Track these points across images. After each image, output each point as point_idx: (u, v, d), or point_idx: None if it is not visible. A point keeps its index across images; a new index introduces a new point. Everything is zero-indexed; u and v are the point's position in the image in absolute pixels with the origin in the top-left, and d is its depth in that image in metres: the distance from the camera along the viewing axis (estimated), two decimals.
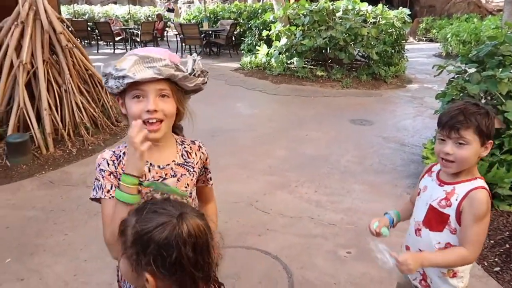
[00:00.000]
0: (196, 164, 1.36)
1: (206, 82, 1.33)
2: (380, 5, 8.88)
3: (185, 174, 1.31)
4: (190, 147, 1.37)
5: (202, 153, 1.40)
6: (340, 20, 8.34)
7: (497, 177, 3.11)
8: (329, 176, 4.10)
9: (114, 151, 1.28)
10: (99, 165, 1.26)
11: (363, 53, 8.91)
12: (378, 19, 8.64)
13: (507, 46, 3.74)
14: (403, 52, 9.30)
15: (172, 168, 1.29)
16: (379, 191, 3.78)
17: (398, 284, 1.77)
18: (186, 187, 1.31)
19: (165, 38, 15.33)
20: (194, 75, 1.26)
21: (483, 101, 3.66)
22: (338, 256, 2.83)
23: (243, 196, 3.69)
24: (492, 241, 2.93)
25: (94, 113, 5.33)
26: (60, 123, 4.93)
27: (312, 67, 8.90)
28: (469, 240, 1.37)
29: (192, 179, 1.34)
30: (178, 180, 1.29)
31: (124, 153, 1.27)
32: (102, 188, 1.23)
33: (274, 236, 3.09)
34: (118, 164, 1.25)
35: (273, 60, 9.01)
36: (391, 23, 8.47)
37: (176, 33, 12.91)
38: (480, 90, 3.54)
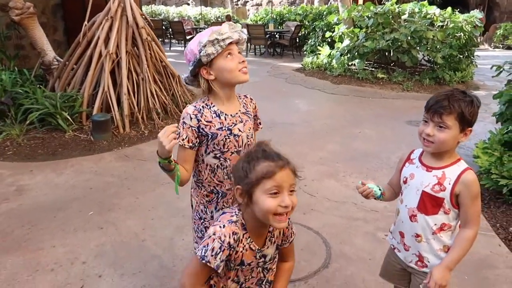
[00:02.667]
0: (252, 112, 1.75)
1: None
2: (449, 8, 8.67)
3: (248, 120, 1.69)
4: (245, 100, 1.75)
5: (253, 103, 1.78)
6: (405, 23, 8.30)
7: None
8: (378, 170, 4.25)
9: (195, 106, 1.61)
10: (183, 118, 1.59)
11: (428, 57, 8.77)
12: (446, 22, 8.45)
13: None
14: (472, 57, 8.99)
15: (239, 116, 1.66)
16: None
17: (386, 265, 1.87)
18: (249, 130, 1.68)
19: None
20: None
21: None
22: (377, 237, 3.02)
23: None
24: None
25: (165, 101, 5.92)
26: (136, 107, 5.57)
27: (373, 69, 8.93)
28: (471, 218, 1.53)
29: (251, 124, 1.72)
30: (244, 124, 1.66)
31: (203, 106, 1.61)
32: (180, 136, 1.57)
33: (318, 216, 3.35)
34: (201, 116, 1.58)
35: (334, 61, 9.18)
36: (459, 27, 8.26)
37: None
38: None
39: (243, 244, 1.35)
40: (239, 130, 1.64)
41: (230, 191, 1.65)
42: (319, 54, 10.07)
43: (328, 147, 4.96)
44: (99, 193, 3.72)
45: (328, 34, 9.79)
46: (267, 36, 12.63)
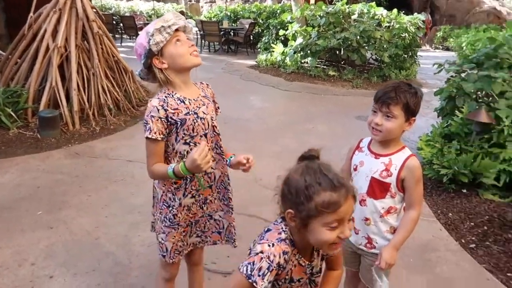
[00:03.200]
0: (211, 96, 1.81)
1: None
2: (395, 10, 9.13)
3: (209, 103, 1.74)
4: (202, 86, 1.81)
5: (210, 89, 1.84)
6: (355, 23, 8.63)
7: (482, 167, 3.38)
8: (330, 163, 4.40)
9: (159, 98, 1.62)
10: (151, 112, 1.58)
11: (376, 57, 9.19)
12: (392, 23, 8.89)
13: (505, 49, 4.00)
14: (415, 57, 9.53)
15: (201, 100, 1.71)
16: None
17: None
18: (212, 112, 1.74)
19: None
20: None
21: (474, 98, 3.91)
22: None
23: (249, 174, 3.99)
24: (472, 223, 3.20)
25: (118, 97, 5.75)
26: (86, 103, 5.37)
27: (325, 67, 9.21)
28: (414, 201, 1.66)
29: (213, 107, 1.77)
30: (207, 107, 1.71)
31: (166, 96, 1.62)
32: (150, 130, 1.58)
33: (274, 208, 3.42)
34: (167, 106, 1.59)
35: (287, 58, 9.35)
36: (404, 28, 8.72)
37: (197, 29, 13.36)
38: (475, 88, 3.82)
39: (292, 261, 1.25)
40: (204, 113, 1.69)
41: (198, 174, 1.67)
42: (273, 51, 10.22)
43: (282, 142, 5.07)
44: (48, 192, 3.56)
45: (281, 32, 9.95)
46: (222, 33, 12.60)
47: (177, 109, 1.62)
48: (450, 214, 3.37)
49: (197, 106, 1.68)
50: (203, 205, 1.79)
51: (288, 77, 8.97)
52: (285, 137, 5.25)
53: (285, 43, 10.04)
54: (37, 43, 5.33)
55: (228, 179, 1.84)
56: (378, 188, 1.68)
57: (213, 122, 1.73)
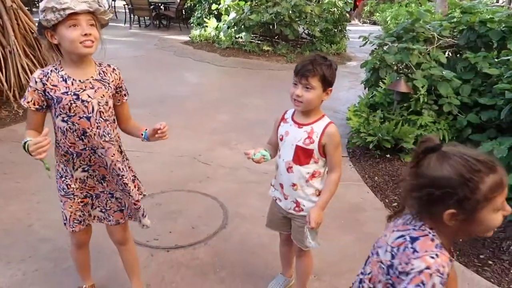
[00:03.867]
0: (112, 82, 1.74)
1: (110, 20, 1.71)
2: None
3: (101, 88, 1.70)
4: (106, 68, 1.75)
5: (116, 74, 1.77)
6: None
7: (402, 133, 3.70)
8: (266, 136, 4.45)
9: (43, 70, 1.64)
10: (30, 81, 1.64)
11: (308, 31, 9.41)
12: None
13: (421, 23, 4.33)
14: (344, 31, 9.91)
15: (90, 82, 1.67)
16: None
17: (270, 216, 2.10)
18: (102, 97, 1.69)
19: (112, 9, 14.92)
20: (109, 11, 1.68)
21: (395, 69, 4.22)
22: (269, 197, 3.28)
23: (187, 151, 4.04)
24: (395, 185, 3.53)
25: None
26: (5, 85, 4.95)
27: (259, 42, 9.27)
28: (335, 164, 1.82)
29: (107, 92, 1.72)
30: (95, 91, 1.67)
31: (51, 70, 1.63)
32: (25, 98, 1.64)
33: (214, 183, 3.50)
34: (47, 80, 1.61)
35: (221, 34, 9.26)
36: (333, 2, 9.00)
37: (125, 3, 12.66)
38: (395, 60, 4.11)
39: None
40: (88, 96, 1.66)
41: (85, 151, 1.72)
42: (207, 26, 10.05)
43: (219, 118, 5.11)
44: None
45: (214, 6, 9.79)
46: (152, 7, 12.08)
47: (56, 86, 1.62)
48: (376, 177, 3.68)
49: (81, 88, 1.65)
50: (102, 181, 1.83)
51: (223, 53, 8.92)
52: (222, 113, 5.29)
53: (218, 18, 9.90)
54: None
55: (121, 167, 1.79)
56: (302, 155, 1.81)
57: (100, 108, 1.69)
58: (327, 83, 1.73)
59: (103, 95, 1.70)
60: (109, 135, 1.75)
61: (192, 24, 11.32)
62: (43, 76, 1.61)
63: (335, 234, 2.84)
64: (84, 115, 1.66)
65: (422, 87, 3.78)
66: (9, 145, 4.01)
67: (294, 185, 1.86)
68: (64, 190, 1.79)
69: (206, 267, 2.46)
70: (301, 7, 8.48)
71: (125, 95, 1.84)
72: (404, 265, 1.07)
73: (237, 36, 9.17)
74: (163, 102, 5.54)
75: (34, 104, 1.63)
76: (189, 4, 12.79)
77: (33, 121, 1.68)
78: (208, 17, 10.28)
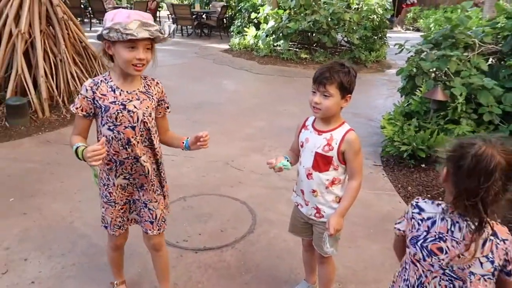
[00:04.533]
0: (155, 94, 1.84)
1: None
2: None
3: (146, 99, 1.79)
4: (150, 82, 1.85)
5: (159, 87, 1.86)
6: (325, 5, 8.73)
7: (437, 142, 3.59)
8: None
9: (93, 79, 1.74)
10: (81, 89, 1.74)
11: (347, 39, 9.34)
12: (361, 5, 9.04)
13: (460, 29, 4.20)
14: (385, 38, 9.73)
15: (136, 94, 1.76)
16: None
17: (292, 221, 2.11)
18: (146, 108, 1.78)
19: (157, 19, 15.54)
20: (170, 37, 1.83)
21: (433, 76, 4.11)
22: None
23: (221, 156, 4.14)
24: (429, 195, 3.44)
25: None
26: (55, 91, 5.31)
27: (297, 49, 9.30)
28: (355, 170, 1.82)
29: (151, 104, 1.81)
30: (141, 102, 1.76)
31: (101, 80, 1.73)
32: (75, 105, 1.75)
33: (244, 188, 3.56)
34: (97, 89, 1.71)
35: (260, 42, 9.39)
36: (372, 9, 8.88)
37: (169, 13, 13.15)
38: (432, 67, 4.01)
39: None
40: (134, 107, 1.74)
41: (128, 160, 1.79)
42: (246, 35, 10.23)
43: (254, 124, 5.19)
44: (19, 180, 3.57)
45: (253, 15, 9.96)
46: (194, 16, 12.47)
47: (104, 95, 1.70)
48: (410, 187, 3.59)
49: (128, 99, 1.73)
50: (139, 189, 1.91)
51: (261, 61, 9.04)
52: (258, 120, 5.37)
53: (257, 26, 10.06)
54: None
55: (159, 170, 1.93)
56: (322, 162, 1.82)
57: (144, 118, 1.77)
58: (345, 90, 1.74)
59: (148, 107, 1.78)
60: (150, 141, 1.83)
61: (232, 33, 11.55)
62: (94, 85, 1.71)
63: (363, 243, 2.81)
64: (129, 125, 1.74)
65: (461, 95, 3.65)
66: (57, 147, 4.29)
67: (314, 191, 1.88)
68: (107, 197, 1.89)
69: (232, 269, 2.52)
70: (340, 14, 8.44)
71: (167, 107, 1.92)
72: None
73: (275, 44, 9.27)
74: (201, 108, 5.70)
75: (82, 110, 1.72)
76: (230, 13, 13.08)
77: (80, 126, 1.77)
78: (248, 26, 10.46)
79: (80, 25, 6.02)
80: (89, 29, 13.23)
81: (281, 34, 8.89)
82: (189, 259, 2.59)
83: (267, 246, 2.75)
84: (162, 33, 1.67)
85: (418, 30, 16.06)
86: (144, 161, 1.82)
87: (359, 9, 8.98)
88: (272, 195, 3.43)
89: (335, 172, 1.84)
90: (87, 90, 1.71)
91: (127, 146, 1.77)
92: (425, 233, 1.30)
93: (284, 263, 2.58)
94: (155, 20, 14.07)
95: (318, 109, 1.77)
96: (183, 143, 1.92)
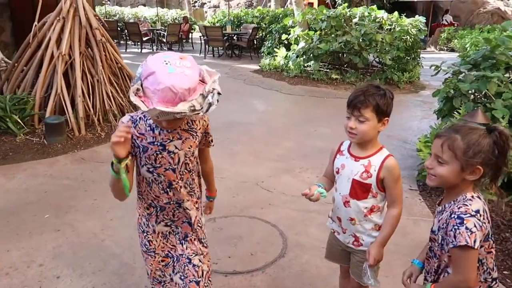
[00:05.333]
0: (199, 129, 1.63)
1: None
2: (395, 13, 9.18)
3: (188, 138, 1.59)
4: (195, 116, 1.55)
5: (204, 120, 1.67)
6: (356, 26, 8.70)
7: None
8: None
9: (132, 116, 1.56)
10: (118, 127, 1.51)
11: (379, 59, 9.23)
12: (394, 26, 8.94)
13: (501, 50, 4.04)
14: (418, 59, 9.55)
15: (178, 133, 1.56)
16: None
17: (329, 248, 2.04)
18: (189, 148, 1.59)
19: (190, 40, 15.97)
20: (208, 109, 1.41)
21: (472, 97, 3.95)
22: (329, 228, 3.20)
23: (250, 177, 4.10)
24: None
25: (122, 102, 5.86)
26: (91, 109, 5.48)
27: (327, 70, 9.27)
28: (395, 198, 1.73)
29: (195, 142, 1.62)
30: (183, 142, 1.57)
31: (140, 118, 1.54)
32: None
33: (275, 210, 3.49)
34: (135, 127, 1.53)
35: (290, 62, 9.43)
36: (405, 30, 8.76)
37: (201, 35, 13.48)
38: (471, 89, 3.86)
39: None
40: (175, 147, 1.56)
41: (170, 205, 1.65)
42: (276, 56, 10.30)
43: (284, 145, 5.14)
44: (55, 196, 3.66)
45: (284, 36, 10.04)
46: (225, 38, 12.72)
47: (143, 134, 1.54)
48: None
49: (168, 139, 1.54)
50: (183, 241, 1.73)
51: (291, 81, 9.05)
52: (287, 140, 5.32)
53: (288, 47, 10.12)
54: (42, 51, 5.46)
55: (200, 219, 1.77)
56: (359, 189, 1.74)
57: (186, 159, 1.60)
58: (382, 113, 1.66)
59: (191, 146, 1.60)
60: (191, 186, 1.68)
61: (262, 54, 11.68)
62: (132, 122, 1.54)
63: (400, 272, 2.66)
64: (170, 167, 1.57)
65: (503, 117, 3.48)
66: (91, 165, 4.39)
67: (352, 219, 1.79)
68: (146, 246, 1.72)
69: None
70: (372, 35, 8.37)
71: (211, 141, 1.76)
72: None
73: (305, 64, 9.28)
74: (231, 128, 5.72)
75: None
76: (260, 35, 13.27)
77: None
78: (278, 47, 10.56)
79: (116, 46, 6.24)
80: (124, 50, 13.76)
81: (311, 55, 8.90)
82: (219, 282, 2.52)
83: (299, 272, 2.66)
84: (196, 110, 1.36)
85: (452, 50, 15.72)
86: (188, 208, 1.67)
87: (392, 30, 8.88)
88: (303, 218, 3.34)
89: (374, 200, 1.75)
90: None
91: (168, 190, 1.61)
92: (489, 224, 1.38)
93: None
94: (187, 41, 14.43)
95: (354, 134, 1.69)
96: (207, 196, 1.97)
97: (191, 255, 1.71)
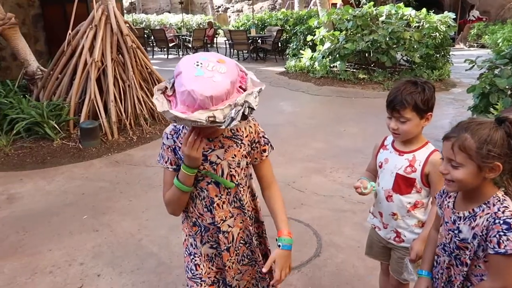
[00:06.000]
0: (246, 137, 1.45)
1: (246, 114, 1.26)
2: (424, 10, 8.99)
3: (232, 146, 1.43)
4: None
5: (251, 126, 1.47)
6: (383, 25, 8.57)
7: None
8: (363, 164, 4.35)
9: (174, 126, 1.45)
10: (162, 138, 1.46)
11: (407, 58, 9.06)
12: (422, 23, 8.76)
13: None
14: (448, 56, 9.32)
15: (220, 141, 1.41)
16: None
17: (369, 244, 2.01)
18: (233, 157, 1.42)
19: (214, 44, 16.15)
20: (229, 123, 1.21)
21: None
22: (364, 227, 3.14)
23: (281, 177, 4.09)
24: None
25: (152, 107, 5.98)
26: (123, 114, 5.62)
27: (354, 70, 9.17)
28: None
29: (239, 150, 1.43)
30: (225, 151, 1.42)
31: (183, 126, 1.42)
32: (163, 158, 1.46)
33: (307, 210, 3.48)
34: (177, 138, 1.42)
35: (316, 63, 9.38)
36: (434, 27, 8.56)
37: (226, 39, 13.62)
38: (509, 84, 3.73)
39: None
40: (218, 157, 1.41)
41: (213, 226, 1.48)
42: (302, 57, 10.27)
43: (313, 145, 5.11)
44: (92, 198, 3.77)
45: (309, 37, 10.00)
46: (250, 41, 12.79)
47: None
48: None
49: (209, 148, 1.40)
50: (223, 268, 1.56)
51: (317, 82, 9.00)
52: (317, 140, 5.29)
53: (313, 48, 10.08)
54: (76, 58, 5.66)
55: (250, 232, 1.55)
56: (403, 184, 1.71)
57: (230, 170, 1.43)
58: (422, 110, 1.62)
59: (235, 155, 1.43)
60: (241, 201, 1.49)
61: (287, 56, 11.67)
62: (174, 132, 1.43)
63: None
64: (213, 180, 1.43)
65: None
66: (125, 168, 4.50)
67: (394, 214, 1.77)
68: (192, 272, 1.55)
69: None
70: (399, 33, 8.22)
71: (263, 151, 1.51)
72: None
73: (331, 65, 9.21)
74: None
75: (171, 164, 1.44)
76: (285, 37, 13.27)
77: (169, 182, 1.44)
78: (303, 48, 10.53)
79: (146, 52, 6.39)
80: (151, 56, 14.04)
81: (337, 55, 8.82)
82: None
83: (335, 271, 2.63)
84: (218, 122, 1.19)
85: (483, 46, 15.24)
86: (229, 226, 1.48)
87: (420, 27, 8.70)
88: (337, 218, 3.31)
89: (418, 195, 1.72)
90: (168, 138, 1.44)
91: (211, 208, 1.45)
92: None
93: None
94: (212, 46, 14.60)
95: (397, 134, 1.68)
96: (276, 239, 1.49)
97: (230, 281, 1.58)
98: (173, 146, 1.43)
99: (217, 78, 1.20)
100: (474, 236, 1.29)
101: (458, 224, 1.34)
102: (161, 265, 2.72)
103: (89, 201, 3.71)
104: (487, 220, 1.25)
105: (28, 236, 3.12)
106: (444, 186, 1.35)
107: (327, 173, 4.23)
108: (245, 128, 1.45)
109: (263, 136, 1.51)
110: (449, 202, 1.41)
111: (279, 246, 1.46)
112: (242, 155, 1.44)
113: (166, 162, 1.45)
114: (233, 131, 1.44)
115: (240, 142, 1.44)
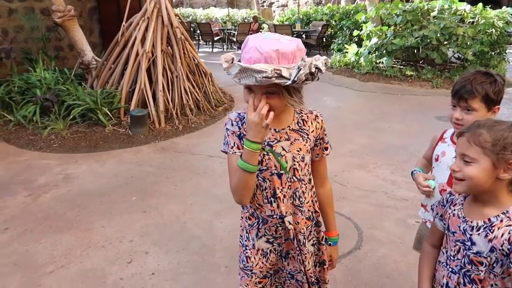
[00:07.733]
0: (312, 132, 1.44)
1: (314, 79, 1.29)
2: (479, 5, 8.56)
3: (298, 139, 1.41)
4: (307, 116, 1.46)
5: (318, 122, 1.46)
6: (435, 20, 8.26)
7: None
8: (407, 162, 4.31)
9: (239, 113, 1.43)
10: (226, 124, 1.42)
11: (458, 55, 8.69)
12: (477, 18, 8.36)
13: None
14: (504, 54, 8.84)
15: (286, 133, 1.40)
16: None
17: (419, 238, 1.97)
18: (298, 151, 1.41)
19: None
20: (297, 82, 1.21)
21: None
22: (407, 224, 3.11)
23: None
24: None
25: (198, 97, 6.15)
26: (170, 103, 5.82)
27: (401, 66, 8.92)
28: None
29: (305, 145, 1.42)
30: (291, 143, 1.40)
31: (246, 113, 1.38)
32: (228, 144, 1.40)
33: (349, 203, 3.47)
34: (242, 125, 1.39)
35: (362, 59, 9.21)
36: (491, 23, 8.14)
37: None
38: None
39: None
40: (283, 149, 1.39)
41: (272, 219, 1.45)
42: (347, 52, 10.12)
43: (357, 141, 5.06)
44: (140, 181, 3.96)
45: (355, 32, 9.83)
46: (294, 36, 12.75)
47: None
48: None
49: (275, 139, 1.39)
50: (284, 259, 1.54)
51: (362, 78, 8.84)
52: (360, 136, 5.23)
53: (359, 43, 9.90)
54: (128, 49, 5.91)
55: (304, 240, 1.49)
56: None
57: (294, 164, 1.40)
58: (491, 102, 1.55)
59: (300, 149, 1.41)
60: (300, 199, 1.45)
61: (332, 51, 11.53)
62: (239, 119, 1.41)
63: None
64: (276, 171, 1.39)
65: None
66: (171, 154, 4.68)
67: None
68: (243, 263, 1.53)
69: (339, 285, 2.45)
70: (452, 29, 7.90)
71: (325, 148, 1.51)
72: None
73: (378, 61, 9.01)
74: None
75: (238, 148, 1.37)
76: (330, 32, 13.11)
77: (235, 168, 1.35)
78: (349, 43, 10.36)
79: (193, 44, 6.56)
80: (197, 50, 14.35)
81: (384, 51, 8.61)
82: None
83: (375, 265, 2.62)
84: (283, 77, 1.20)
85: None
86: (290, 223, 1.44)
87: (475, 23, 8.30)
88: (379, 213, 3.28)
89: None
90: (232, 124, 1.40)
91: (272, 200, 1.42)
92: None
93: (395, 284, 2.44)
94: None
95: (460, 125, 1.61)
96: (326, 238, 1.61)
97: (293, 272, 1.55)
98: (238, 132, 1.39)
99: (283, 41, 1.24)
100: (492, 250, 1.19)
101: (470, 234, 1.23)
102: (205, 247, 2.83)
103: (137, 184, 3.90)
104: (508, 232, 1.16)
105: (83, 213, 3.35)
106: (453, 186, 1.27)
107: (370, 168, 4.19)
108: (311, 122, 1.45)
109: (325, 134, 1.51)
110: (454, 210, 1.32)
111: (329, 244, 1.65)
112: (307, 150, 1.43)
113: (232, 148, 1.38)
114: (299, 124, 1.43)
115: (306, 136, 1.43)
